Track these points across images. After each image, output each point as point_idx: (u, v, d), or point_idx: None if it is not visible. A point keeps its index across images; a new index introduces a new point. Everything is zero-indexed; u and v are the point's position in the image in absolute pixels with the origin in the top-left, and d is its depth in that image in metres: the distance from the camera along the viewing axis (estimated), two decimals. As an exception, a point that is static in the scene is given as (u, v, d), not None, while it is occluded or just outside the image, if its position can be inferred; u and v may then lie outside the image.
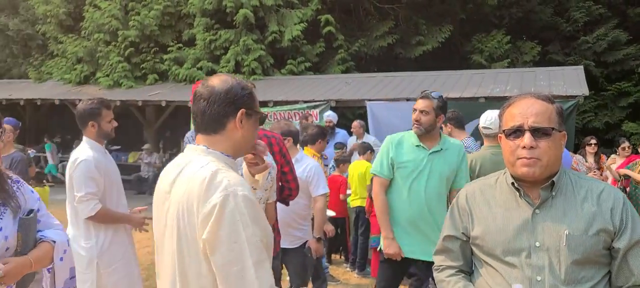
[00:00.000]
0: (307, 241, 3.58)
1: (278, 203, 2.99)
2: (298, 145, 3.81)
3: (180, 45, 13.23)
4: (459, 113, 4.56)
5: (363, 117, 8.86)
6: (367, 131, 7.71)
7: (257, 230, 1.33)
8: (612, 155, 7.42)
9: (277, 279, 3.01)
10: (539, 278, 1.46)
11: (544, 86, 8.87)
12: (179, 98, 11.23)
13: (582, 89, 8.52)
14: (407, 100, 8.92)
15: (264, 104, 10.19)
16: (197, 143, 1.48)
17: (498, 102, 4.26)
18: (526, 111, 1.50)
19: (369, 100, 9.09)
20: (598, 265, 1.48)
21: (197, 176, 1.36)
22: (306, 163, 3.60)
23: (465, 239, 1.64)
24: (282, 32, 12.53)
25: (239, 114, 1.44)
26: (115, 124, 3.14)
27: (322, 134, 4.70)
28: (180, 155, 1.52)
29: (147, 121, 12.86)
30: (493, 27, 14.35)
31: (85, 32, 13.91)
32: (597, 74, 13.76)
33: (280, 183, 2.97)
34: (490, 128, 3.53)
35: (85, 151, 2.99)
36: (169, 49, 13.19)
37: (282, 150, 2.95)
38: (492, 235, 1.54)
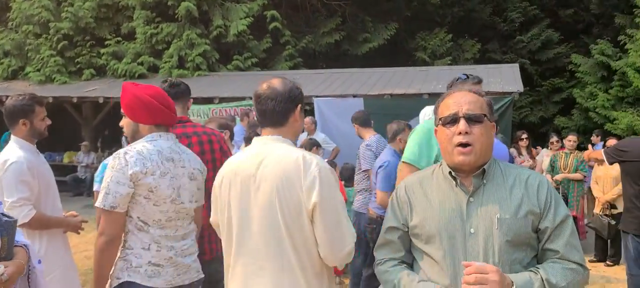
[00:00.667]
0: None
1: None
2: (232, 141, 3.79)
3: (119, 38, 12.69)
4: (364, 112, 4.85)
5: (312, 113, 8.84)
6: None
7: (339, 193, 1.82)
8: (544, 150, 7.87)
9: (218, 281, 2.91)
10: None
11: (483, 83, 9.18)
12: (118, 94, 10.57)
13: (517, 86, 8.95)
14: (354, 96, 8.99)
15: (210, 100, 9.93)
16: (265, 134, 1.88)
17: (443, 98, 4.44)
18: (460, 100, 1.61)
19: (317, 96, 9.07)
20: (528, 247, 1.56)
21: (289, 158, 1.77)
22: None
23: (405, 230, 1.69)
24: (227, 27, 12.27)
25: (298, 108, 1.88)
26: (48, 121, 2.91)
27: None
28: (254, 145, 1.88)
29: (84, 119, 12.18)
30: (436, 25, 14.78)
31: (13, 24, 13.08)
32: (532, 71, 14.54)
33: None
34: None
35: (15, 152, 2.74)
36: (106, 42, 12.60)
37: (222, 147, 2.83)
38: (430, 224, 1.60)
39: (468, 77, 2.77)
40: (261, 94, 1.85)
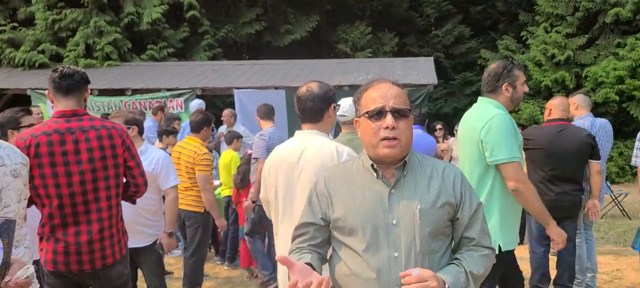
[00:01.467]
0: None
1: (123, 202, 2.68)
2: (143, 136, 3.55)
3: (16, 24, 11.58)
4: (267, 106, 4.85)
5: (233, 105, 8.59)
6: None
7: None
8: (452, 138, 8.33)
9: (125, 283, 2.68)
10: (396, 254, 1.54)
11: (400, 75, 9.49)
12: (16, 85, 9.74)
13: (432, 78, 9.32)
14: (276, 88, 8.85)
15: (121, 92, 9.32)
16: (304, 128, 2.31)
17: (362, 89, 4.49)
18: (386, 94, 1.61)
19: (237, 88, 8.83)
20: (444, 236, 1.62)
21: (325, 149, 2.21)
22: (152, 154, 3.35)
23: (323, 224, 1.68)
24: (140, 14, 11.58)
25: (331, 107, 2.31)
26: None
27: (208, 121, 4.30)
28: (296, 137, 2.32)
29: (-25, 113, 10.96)
30: (357, 18, 15.00)
31: None
32: (447, 65, 15.24)
33: (125, 180, 2.66)
34: (345, 115, 3.53)
35: None
36: (0, 28, 11.42)
37: (125, 142, 2.60)
38: (353, 216, 1.60)
39: (513, 62, 2.77)
40: (301, 95, 2.29)
